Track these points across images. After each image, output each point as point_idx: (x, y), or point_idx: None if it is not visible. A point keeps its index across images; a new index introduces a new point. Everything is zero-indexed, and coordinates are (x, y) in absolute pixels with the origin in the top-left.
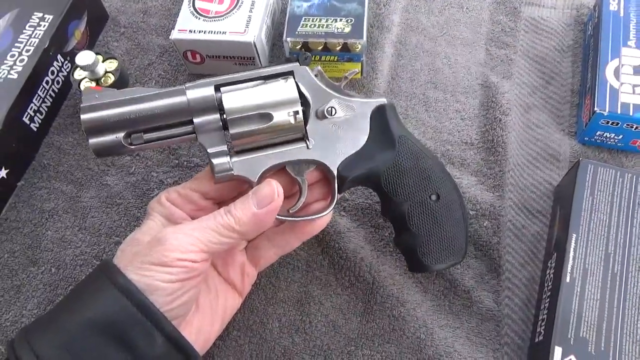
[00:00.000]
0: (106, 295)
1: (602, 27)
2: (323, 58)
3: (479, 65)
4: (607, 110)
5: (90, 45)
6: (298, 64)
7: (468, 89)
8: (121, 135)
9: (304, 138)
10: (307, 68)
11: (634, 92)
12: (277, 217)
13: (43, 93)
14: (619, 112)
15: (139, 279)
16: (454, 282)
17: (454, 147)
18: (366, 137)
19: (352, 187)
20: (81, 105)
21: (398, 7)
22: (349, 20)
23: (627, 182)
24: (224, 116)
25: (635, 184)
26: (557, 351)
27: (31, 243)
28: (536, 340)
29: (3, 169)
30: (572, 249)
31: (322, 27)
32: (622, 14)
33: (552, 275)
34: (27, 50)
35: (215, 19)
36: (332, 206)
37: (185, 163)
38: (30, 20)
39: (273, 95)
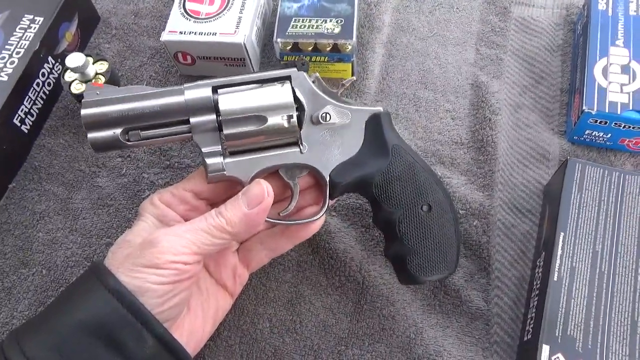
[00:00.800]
0: (97, 297)
1: (591, 26)
2: (313, 59)
3: (469, 65)
4: (595, 109)
5: (81, 47)
6: (296, 69)
7: (458, 89)
8: (119, 131)
9: (297, 142)
10: (304, 73)
11: (621, 91)
12: (268, 219)
13: (34, 95)
14: (607, 111)
15: (129, 281)
16: (443, 281)
17: (444, 147)
18: (360, 144)
19: (344, 193)
20: (82, 101)
21: (388, 8)
22: (339, 21)
23: (614, 181)
24: (220, 117)
25: (622, 182)
26: (545, 349)
27: (22, 245)
28: (525, 338)
29: None
30: (559, 248)
31: (312, 27)
32: (610, 14)
33: (540, 274)
34: (18, 53)
35: (206, 20)
36: (324, 211)
37: (176, 164)
38: (21, 22)
39: (268, 98)
